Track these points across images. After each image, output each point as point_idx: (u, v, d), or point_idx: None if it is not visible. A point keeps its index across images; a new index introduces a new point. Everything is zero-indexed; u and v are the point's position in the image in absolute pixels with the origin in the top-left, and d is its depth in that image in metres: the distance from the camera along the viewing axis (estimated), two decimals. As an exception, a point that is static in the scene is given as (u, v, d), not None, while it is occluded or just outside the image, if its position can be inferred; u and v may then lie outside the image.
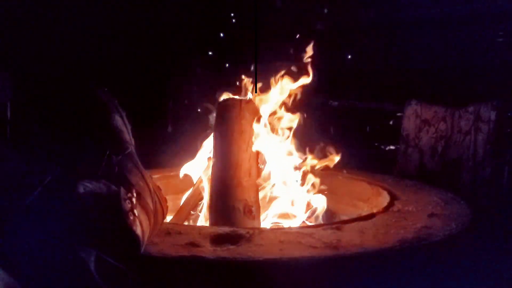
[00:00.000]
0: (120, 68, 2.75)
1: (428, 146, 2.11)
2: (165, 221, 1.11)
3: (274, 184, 1.47)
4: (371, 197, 1.61)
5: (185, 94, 2.75)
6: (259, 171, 1.41)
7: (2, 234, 0.74)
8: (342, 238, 1.03)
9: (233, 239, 1.02)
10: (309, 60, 1.52)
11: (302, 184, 1.50)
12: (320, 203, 1.47)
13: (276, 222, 1.47)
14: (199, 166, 1.55)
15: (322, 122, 1.55)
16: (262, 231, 1.10)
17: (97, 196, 0.84)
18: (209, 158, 1.49)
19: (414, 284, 1.02)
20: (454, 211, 1.27)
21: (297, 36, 1.64)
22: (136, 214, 0.89)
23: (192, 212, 1.48)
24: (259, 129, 1.41)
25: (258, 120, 1.41)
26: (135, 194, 0.92)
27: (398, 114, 2.47)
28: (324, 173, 1.73)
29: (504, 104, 1.99)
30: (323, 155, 1.52)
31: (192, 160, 1.56)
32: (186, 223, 1.44)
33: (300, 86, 1.51)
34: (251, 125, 1.39)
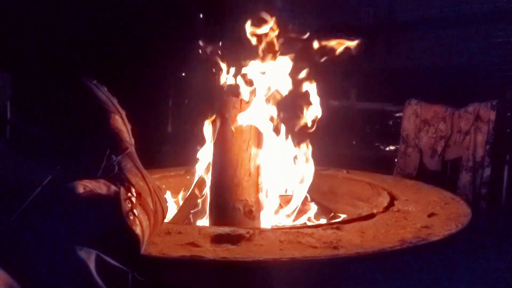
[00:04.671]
0: (120, 67, 2.75)
1: (428, 146, 2.12)
2: (165, 221, 1.11)
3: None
4: (371, 197, 1.61)
5: (185, 93, 2.75)
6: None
7: (2, 234, 0.74)
8: (342, 238, 1.03)
9: (233, 239, 1.02)
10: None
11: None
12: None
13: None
14: (199, 166, 1.55)
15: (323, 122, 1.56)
16: (262, 231, 1.10)
17: (97, 196, 0.84)
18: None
19: (414, 284, 1.02)
20: (454, 211, 1.27)
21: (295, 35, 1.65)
22: (136, 214, 0.89)
23: (192, 212, 1.48)
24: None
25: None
26: (135, 194, 0.92)
27: (398, 114, 2.47)
28: (324, 173, 1.73)
29: (504, 104, 1.99)
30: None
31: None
32: (186, 223, 1.44)
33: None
34: (251, 125, 1.39)
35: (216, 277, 0.93)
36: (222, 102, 1.43)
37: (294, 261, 0.92)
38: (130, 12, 2.87)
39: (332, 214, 1.56)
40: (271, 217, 1.45)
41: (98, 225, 0.80)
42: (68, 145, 0.97)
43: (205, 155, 1.57)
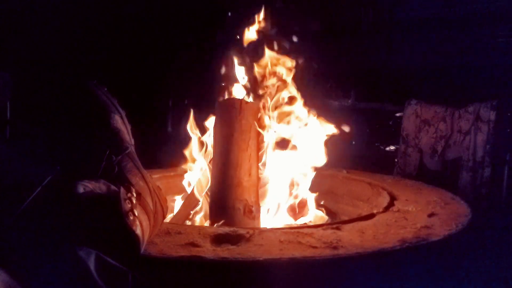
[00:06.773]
0: (120, 68, 2.75)
1: (428, 146, 2.11)
2: (165, 221, 1.11)
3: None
4: (371, 197, 1.61)
5: (184, 93, 2.75)
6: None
7: (2, 234, 0.74)
8: (342, 238, 1.03)
9: (233, 239, 1.02)
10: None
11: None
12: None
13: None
14: (199, 166, 1.55)
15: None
16: (262, 231, 1.10)
17: (97, 196, 0.84)
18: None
19: (414, 284, 1.02)
20: (454, 211, 1.27)
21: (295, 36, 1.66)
22: (136, 214, 0.89)
23: (191, 212, 1.48)
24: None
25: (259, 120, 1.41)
26: (135, 194, 0.92)
27: (398, 114, 2.47)
28: (324, 173, 1.73)
29: (504, 104, 1.98)
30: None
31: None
32: (186, 223, 1.44)
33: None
34: (251, 125, 1.39)
35: (216, 277, 0.93)
36: (223, 103, 1.43)
37: (294, 261, 0.92)
38: (130, 11, 2.87)
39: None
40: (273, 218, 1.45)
41: (98, 225, 0.80)
42: (68, 145, 0.97)
43: (205, 155, 1.57)
